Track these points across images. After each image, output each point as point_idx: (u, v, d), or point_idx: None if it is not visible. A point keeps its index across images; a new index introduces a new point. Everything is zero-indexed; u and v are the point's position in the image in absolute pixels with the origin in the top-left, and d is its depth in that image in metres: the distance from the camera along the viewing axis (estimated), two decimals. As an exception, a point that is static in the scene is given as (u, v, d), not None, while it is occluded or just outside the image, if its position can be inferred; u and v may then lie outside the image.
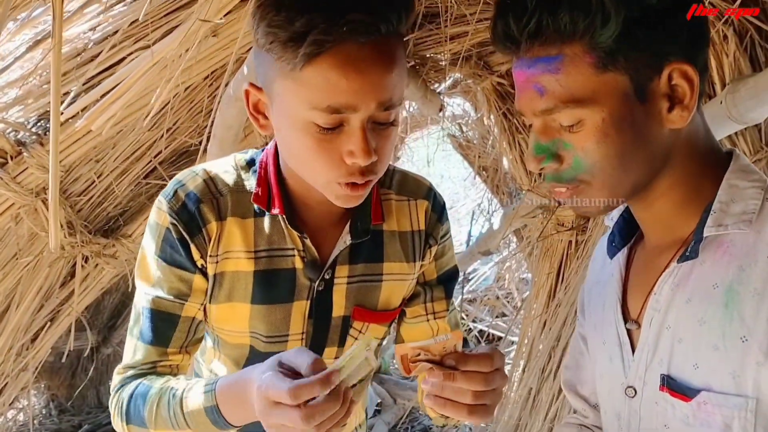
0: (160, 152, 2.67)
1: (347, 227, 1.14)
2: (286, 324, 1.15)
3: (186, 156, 2.80)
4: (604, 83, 0.88)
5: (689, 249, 0.92)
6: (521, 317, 3.54)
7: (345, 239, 1.14)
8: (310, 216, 1.14)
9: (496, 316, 5.48)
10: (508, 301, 5.45)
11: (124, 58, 2.15)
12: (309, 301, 1.15)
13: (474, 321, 5.34)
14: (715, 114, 1.78)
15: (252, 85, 1.02)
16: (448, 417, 1.15)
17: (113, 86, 1.80)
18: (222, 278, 1.12)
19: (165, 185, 1.15)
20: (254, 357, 1.18)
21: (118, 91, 1.76)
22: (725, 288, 0.89)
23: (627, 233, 1.10)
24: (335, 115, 0.92)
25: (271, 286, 1.13)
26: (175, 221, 1.08)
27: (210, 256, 1.11)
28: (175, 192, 1.11)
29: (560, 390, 2.81)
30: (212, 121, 2.02)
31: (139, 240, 2.51)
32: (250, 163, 1.17)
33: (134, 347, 1.13)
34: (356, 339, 1.21)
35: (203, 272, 1.12)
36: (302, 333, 1.17)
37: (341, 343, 1.20)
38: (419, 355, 0.92)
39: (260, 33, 0.93)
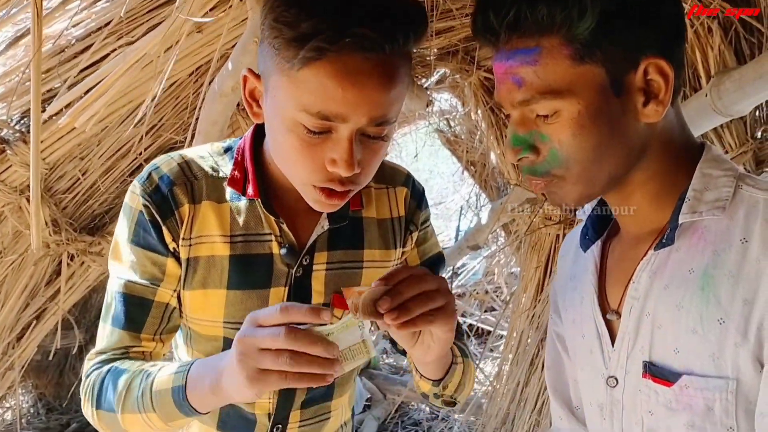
0: (145, 149, 2.65)
1: (325, 213, 1.14)
2: None
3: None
4: (581, 75, 0.89)
5: (665, 236, 0.94)
6: (510, 311, 3.55)
7: (323, 224, 1.14)
8: (287, 201, 1.13)
9: (485, 311, 5.50)
10: (497, 296, 5.46)
11: (107, 55, 2.14)
12: (287, 288, 1.14)
13: (463, 315, 5.36)
14: (700, 107, 1.78)
15: (250, 71, 1.02)
16: (440, 385, 1.15)
17: (96, 83, 1.79)
18: (196, 263, 1.11)
19: (150, 182, 1.14)
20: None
21: (102, 87, 1.75)
22: (701, 272, 0.90)
23: (600, 226, 1.11)
24: (324, 121, 0.92)
25: (248, 271, 1.11)
26: (147, 203, 1.08)
27: (183, 239, 1.10)
28: (149, 175, 1.10)
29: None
30: (197, 118, 2.01)
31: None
32: (227, 150, 1.17)
33: (107, 332, 1.11)
34: None
35: (176, 256, 1.10)
36: None
37: None
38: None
39: (266, 25, 0.93)
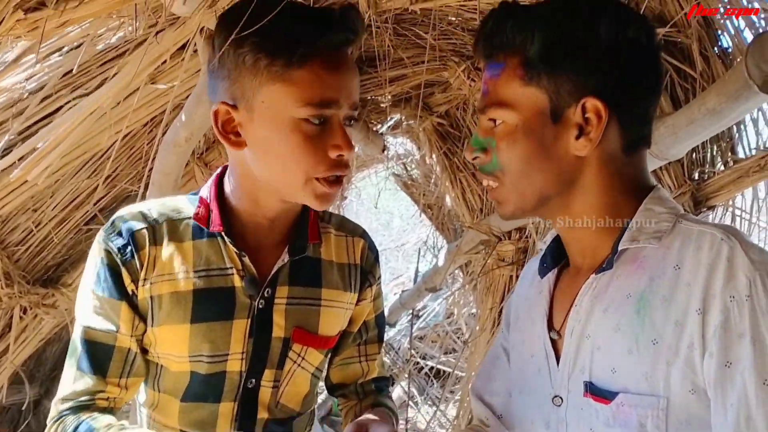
0: (100, 199, 2.65)
1: (287, 248, 1.20)
2: (226, 342, 1.17)
3: (126, 203, 2.77)
4: (526, 96, 1.00)
5: (606, 261, 1.01)
6: (468, 352, 3.56)
7: (283, 258, 1.19)
8: (250, 236, 1.19)
9: (446, 352, 5.50)
10: (458, 337, 5.48)
11: (60, 107, 2.15)
12: (249, 320, 1.18)
13: (424, 358, 5.36)
14: (639, 151, 1.84)
15: (224, 103, 1.08)
16: None
17: (50, 136, 1.80)
18: (160, 300, 1.15)
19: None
20: (194, 383, 1.19)
21: (55, 140, 1.76)
22: (637, 297, 0.96)
23: (558, 256, 1.17)
24: (324, 110, 1.05)
25: (210, 304, 1.16)
26: (108, 249, 1.13)
27: (143, 280, 1.14)
28: (113, 222, 1.16)
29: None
30: (151, 168, 2.03)
31: (79, 289, 2.47)
32: (191, 196, 1.23)
33: (72, 377, 1.14)
34: (294, 362, 1.23)
35: (134, 300, 1.15)
36: (242, 352, 1.18)
37: (280, 365, 1.22)
38: None
39: (247, 47, 1.03)
